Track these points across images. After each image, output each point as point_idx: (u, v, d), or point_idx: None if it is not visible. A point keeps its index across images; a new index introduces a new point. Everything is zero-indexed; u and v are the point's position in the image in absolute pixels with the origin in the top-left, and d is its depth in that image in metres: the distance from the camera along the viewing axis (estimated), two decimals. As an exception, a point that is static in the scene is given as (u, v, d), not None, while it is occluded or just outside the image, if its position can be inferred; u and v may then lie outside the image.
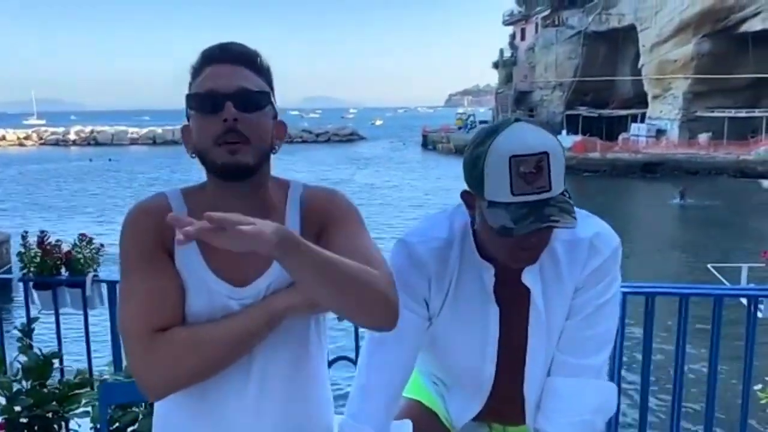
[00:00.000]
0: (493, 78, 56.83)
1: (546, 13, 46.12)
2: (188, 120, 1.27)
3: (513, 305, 1.39)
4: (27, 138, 75.63)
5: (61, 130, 77.45)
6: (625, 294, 2.37)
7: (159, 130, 74.82)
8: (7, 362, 2.59)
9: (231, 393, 1.24)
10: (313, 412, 1.33)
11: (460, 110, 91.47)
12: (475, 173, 1.24)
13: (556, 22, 44.98)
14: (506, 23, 53.31)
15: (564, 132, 42.65)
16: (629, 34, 41.71)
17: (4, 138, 75.08)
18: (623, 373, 2.58)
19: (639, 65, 41.35)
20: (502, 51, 53.01)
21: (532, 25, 48.57)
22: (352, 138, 75.25)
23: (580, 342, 1.40)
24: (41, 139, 75.37)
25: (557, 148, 1.21)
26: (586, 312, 1.38)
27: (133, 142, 71.87)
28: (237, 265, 1.22)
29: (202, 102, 1.21)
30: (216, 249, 1.14)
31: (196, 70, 1.25)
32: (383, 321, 1.20)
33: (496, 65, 54.05)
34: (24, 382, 2.46)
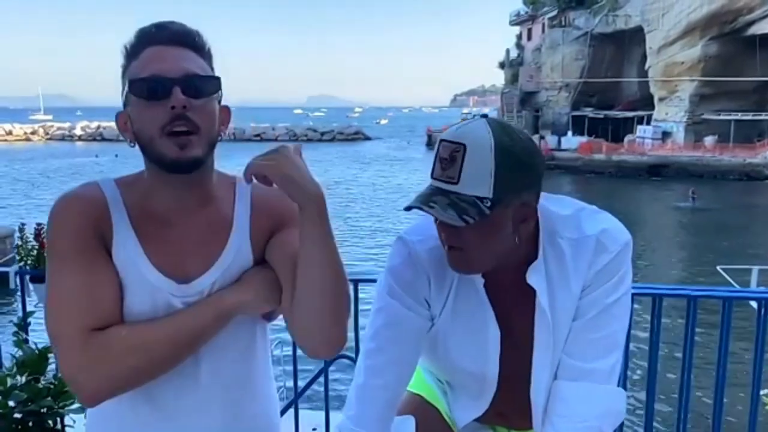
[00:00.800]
0: (499, 78, 56.87)
1: (553, 13, 46.00)
2: (124, 106, 1.16)
3: (516, 306, 1.34)
4: (33, 133, 76.15)
5: (67, 125, 77.91)
6: (631, 295, 2.32)
7: (165, 127, 74.86)
8: (2, 356, 2.56)
9: (177, 392, 1.16)
10: (260, 411, 1.29)
11: (465, 110, 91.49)
12: None
13: (563, 23, 44.86)
14: (513, 23, 53.22)
15: (570, 133, 42.59)
16: (636, 35, 41.57)
17: (10, 133, 75.49)
18: (628, 373, 2.53)
19: (645, 67, 41.22)
20: (508, 51, 52.95)
21: (539, 26, 48.46)
22: (356, 137, 75.37)
23: (587, 344, 1.33)
24: (47, 134, 75.87)
25: (485, 149, 1.14)
26: (594, 312, 1.31)
27: (138, 139, 72.04)
28: (180, 260, 1.15)
29: (146, 87, 1.10)
30: (157, 243, 1.15)
31: (133, 52, 1.14)
32: (336, 342, 1.17)
33: (502, 65, 53.99)
34: (19, 377, 2.42)
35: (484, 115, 1.22)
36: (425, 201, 1.16)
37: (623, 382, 2.36)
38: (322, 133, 73.37)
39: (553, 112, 45.66)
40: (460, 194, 1.15)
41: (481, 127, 1.17)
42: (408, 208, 1.18)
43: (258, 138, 70.76)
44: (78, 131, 74.53)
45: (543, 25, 47.49)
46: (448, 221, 1.15)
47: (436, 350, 1.42)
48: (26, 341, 2.54)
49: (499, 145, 1.15)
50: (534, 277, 1.30)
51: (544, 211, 1.31)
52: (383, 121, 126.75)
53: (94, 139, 71.72)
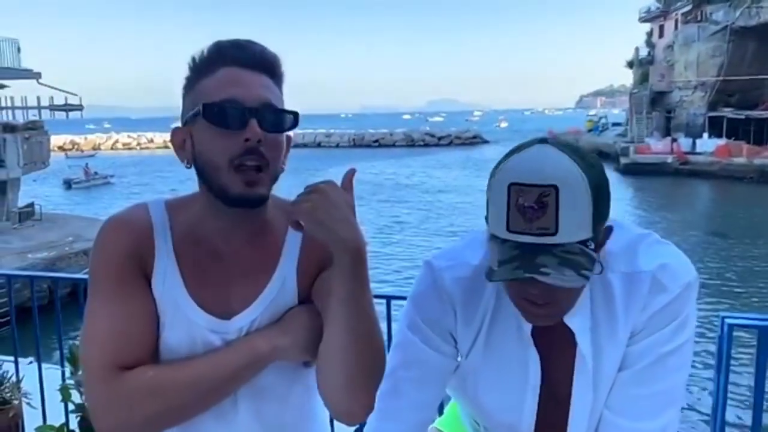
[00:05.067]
0: (628, 78, 53.98)
1: (687, 8, 43.02)
2: (184, 122, 1.09)
3: (556, 349, 1.17)
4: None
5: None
6: (732, 326, 2.10)
7: (290, 134, 78.53)
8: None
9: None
10: None
11: (592, 112, 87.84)
12: (487, 198, 1.04)
13: (699, 18, 41.77)
14: (643, 20, 50.41)
15: (705, 135, 39.58)
16: (784, 28, 37.88)
17: (152, 141, 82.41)
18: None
19: (795, 62, 37.42)
20: (637, 49, 50.17)
21: (671, 22, 45.52)
22: (474, 141, 74.60)
23: (634, 400, 1.13)
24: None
25: (580, 185, 0.95)
26: (645, 362, 1.12)
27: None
28: (222, 294, 1.10)
29: (222, 114, 1.02)
30: (200, 275, 1.09)
31: (206, 68, 1.06)
32: (357, 413, 1.09)
33: (630, 64, 51.24)
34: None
35: (543, 140, 1.02)
36: (529, 268, 0.95)
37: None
38: (440, 138, 73.32)
39: (687, 113, 42.62)
40: (562, 245, 0.95)
41: (561, 159, 0.97)
42: (521, 282, 0.98)
43: (376, 144, 72.19)
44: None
45: (676, 20, 44.53)
46: (572, 285, 0.96)
47: (466, 391, 1.27)
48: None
49: (590, 176, 0.97)
50: (575, 317, 1.12)
51: None
52: (503, 125, 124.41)
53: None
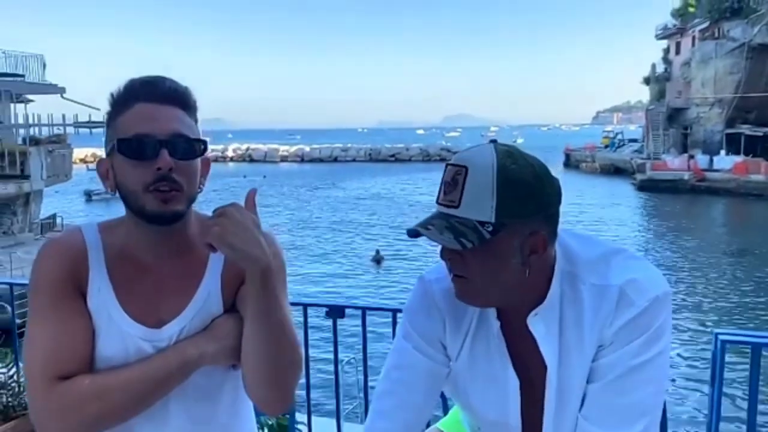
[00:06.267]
0: (645, 94, 53.73)
1: (704, 25, 42.85)
2: (107, 154, 1.18)
3: (532, 353, 1.23)
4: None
5: (220, 147, 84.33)
6: (725, 342, 2.18)
7: (307, 149, 79.48)
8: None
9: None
10: None
11: (609, 128, 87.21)
12: None
13: (716, 35, 41.57)
14: (659, 37, 50.20)
15: (723, 152, 39.25)
16: (803, 45, 37.59)
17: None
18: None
19: (815, 79, 37.06)
20: (654, 66, 49.99)
21: (688, 39, 45.31)
22: (491, 156, 74.09)
23: (608, 410, 1.16)
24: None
25: (486, 171, 1.10)
26: (616, 374, 1.16)
27: (283, 159, 76.66)
28: (152, 306, 1.18)
29: (134, 147, 1.12)
30: (130, 288, 1.19)
31: (121, 105, 1.15)
32: (277, 406, 1.19)
33: (647, 81, 51.03)
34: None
35: (494, 141, 1.17)
36: (423, 224, 1.13)
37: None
38: (455, 153, 73.03)
39: (704, 130, 42.30)
40: (460, 218, 1.11)
41: (485, 150, 1.13)
42: (410, 232, 1.14)
43: (393, 158, 72.36)
44: (230, 153, 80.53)
45: (693, 37, 44.33)
46: (445, 244, 1.12)
47: (458, 395, 1.36)
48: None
49: (502, 168, 1.10)
50: (537, 322, 1.19)
51: (566, 248, 1.22)
52: (519, 140, 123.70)
53: (244, 160, 77.27)
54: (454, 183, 1.12)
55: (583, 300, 1.19)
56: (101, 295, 1.17)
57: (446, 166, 1.16)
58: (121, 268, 1.20)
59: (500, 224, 1.10)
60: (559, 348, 1.20)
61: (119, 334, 1.16)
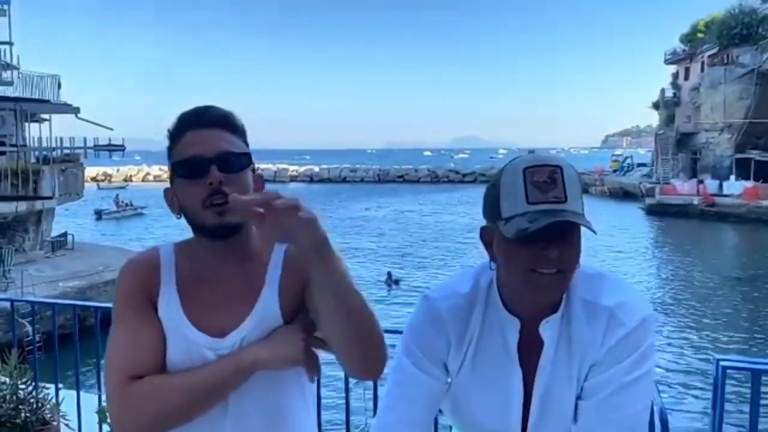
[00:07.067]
0: (654, 119, 53.79)
1: (713, 51, 43.05)
2: (171, 183, 1.32)
3: (535, 359, 1.29)
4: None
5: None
6: (725, 368, 2.21)
7: (316, 169, 79.86)
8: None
9: None
10: None
11: (618, 152, 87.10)
12: (490, 198, 1.24)
13: (725, 61, 41.73)
14: (669, 62, 50.46)
15: (732, 177, 39.15)
16: (813, 71, 37.58)
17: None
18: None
19: (825, 105, 37.00)
20: (663, 91, 50.10)
21: (697, 64, 45.50)
22: (499, 179, 74.13)
23: (601, 425, 1.22)
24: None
25: (571, 168, 1.18)
26: (609, 390, 1.22)
27: (293, 179, 76.82)
28: (215, 316, 1.29)
29: (188, 168, 1.26)
30: (196, 300, 1.31)
31: (175, 136, 1.30)
32: (377, 367, 1.22)
33: (656, 106, 51.17)
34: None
35: (532, 151, 1.27)
36: (558, 215, 1.13)
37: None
38: (464, 175, 73.69)
39: (713, 155, 42.26)
40: (572, 211, 1.15)
41: (552, 155, 1.23)
42: (534, 232, 1.12)
43: (401, 179, 72.63)
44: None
45: (702, 63, 44.51)
46: (589, 227, 1.15)
47: (458, 408, 1.39)
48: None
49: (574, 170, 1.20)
50: (547, 330, 1.26)
51: None
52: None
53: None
54: (553, 181, 1.16)
55: (572, 313, 1.26)
56: (170, 307, 1.30)
57: (526, 170, 1.17)
58: (189, 282, 1.32)
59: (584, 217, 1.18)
60: (554, 357, 1.27)
61: (185, 342, 1.27)
